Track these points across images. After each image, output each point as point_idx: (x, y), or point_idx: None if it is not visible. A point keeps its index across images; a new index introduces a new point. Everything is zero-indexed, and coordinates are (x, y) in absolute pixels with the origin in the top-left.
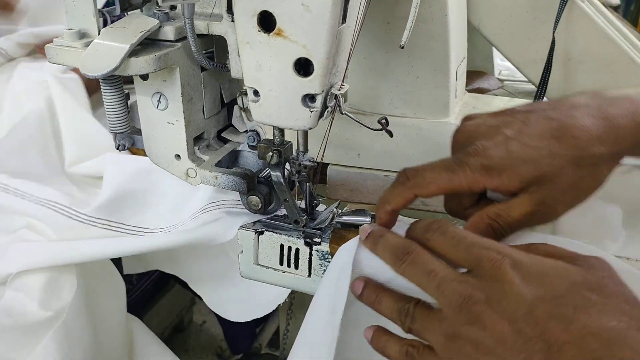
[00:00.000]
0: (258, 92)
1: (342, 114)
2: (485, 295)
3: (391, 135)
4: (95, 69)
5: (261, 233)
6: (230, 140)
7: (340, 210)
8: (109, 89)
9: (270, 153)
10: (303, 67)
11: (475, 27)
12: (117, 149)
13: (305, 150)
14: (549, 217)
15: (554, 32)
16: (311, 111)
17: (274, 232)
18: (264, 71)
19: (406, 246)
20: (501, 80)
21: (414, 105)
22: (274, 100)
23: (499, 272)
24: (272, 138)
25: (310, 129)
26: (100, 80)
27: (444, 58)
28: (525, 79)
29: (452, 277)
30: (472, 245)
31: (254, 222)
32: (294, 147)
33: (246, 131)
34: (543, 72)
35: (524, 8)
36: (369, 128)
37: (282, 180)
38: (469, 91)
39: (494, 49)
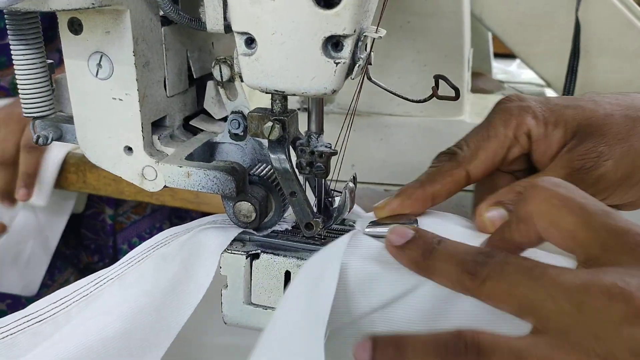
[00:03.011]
0: (254, 38)
1: (369, 79)
2: None
3: (457, 95)
4: None
5: (256, 256)
6: (202, 130)
7: (354, 185)
8: (21, 44)
9: (270, 123)
10: None
11: (476, 17)
12: (37, 142)
13: (320, 130)
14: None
15: (576, 13)
16: (336, 63)
17: (274, 254)
18: (264, 4)
19: (485, 251)
20: (501, 82)
21: None
22: (280, 49)
23: None
24: (268, 108)
25: (334, 92)
26: (8, 33)
27: (457, 40)
28: (525, 81)
29: (575, 272)
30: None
31: (243, 242)
32: (301, 127)
33: (225, 118)
34: (570, 62)
35: None
36: (407, 100)
37: (287, 164)
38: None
39: (491, 48)
